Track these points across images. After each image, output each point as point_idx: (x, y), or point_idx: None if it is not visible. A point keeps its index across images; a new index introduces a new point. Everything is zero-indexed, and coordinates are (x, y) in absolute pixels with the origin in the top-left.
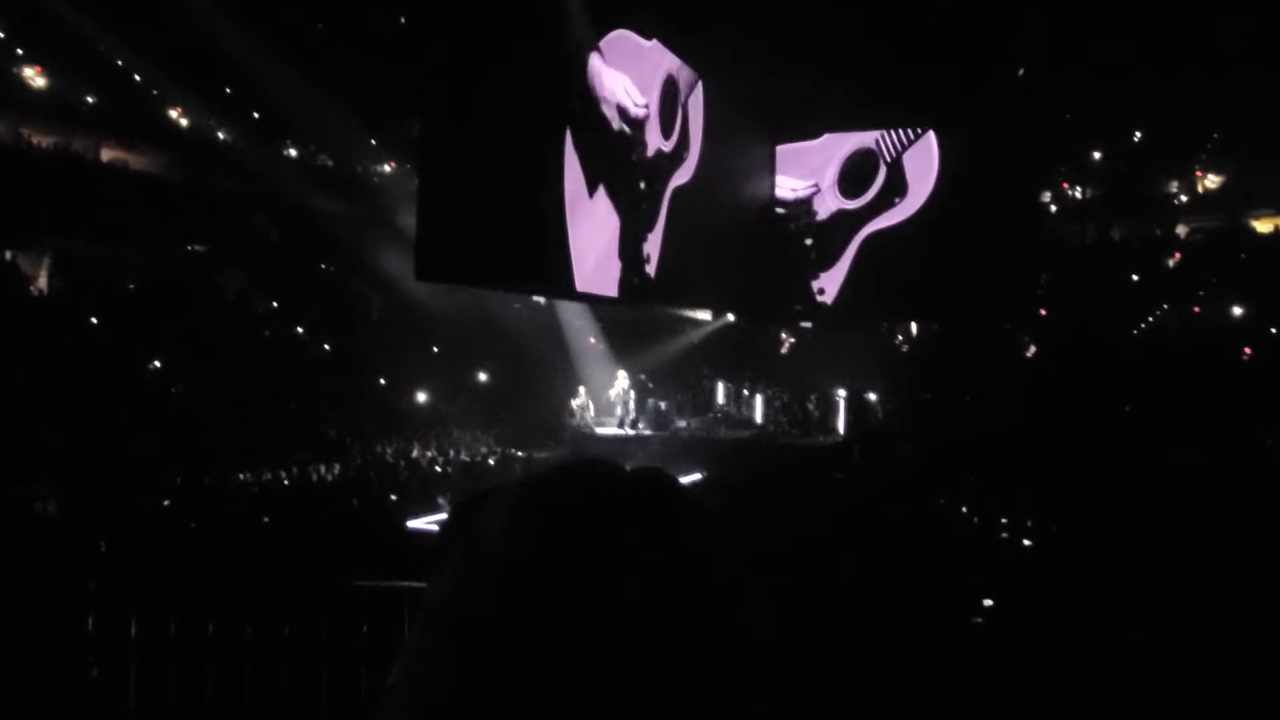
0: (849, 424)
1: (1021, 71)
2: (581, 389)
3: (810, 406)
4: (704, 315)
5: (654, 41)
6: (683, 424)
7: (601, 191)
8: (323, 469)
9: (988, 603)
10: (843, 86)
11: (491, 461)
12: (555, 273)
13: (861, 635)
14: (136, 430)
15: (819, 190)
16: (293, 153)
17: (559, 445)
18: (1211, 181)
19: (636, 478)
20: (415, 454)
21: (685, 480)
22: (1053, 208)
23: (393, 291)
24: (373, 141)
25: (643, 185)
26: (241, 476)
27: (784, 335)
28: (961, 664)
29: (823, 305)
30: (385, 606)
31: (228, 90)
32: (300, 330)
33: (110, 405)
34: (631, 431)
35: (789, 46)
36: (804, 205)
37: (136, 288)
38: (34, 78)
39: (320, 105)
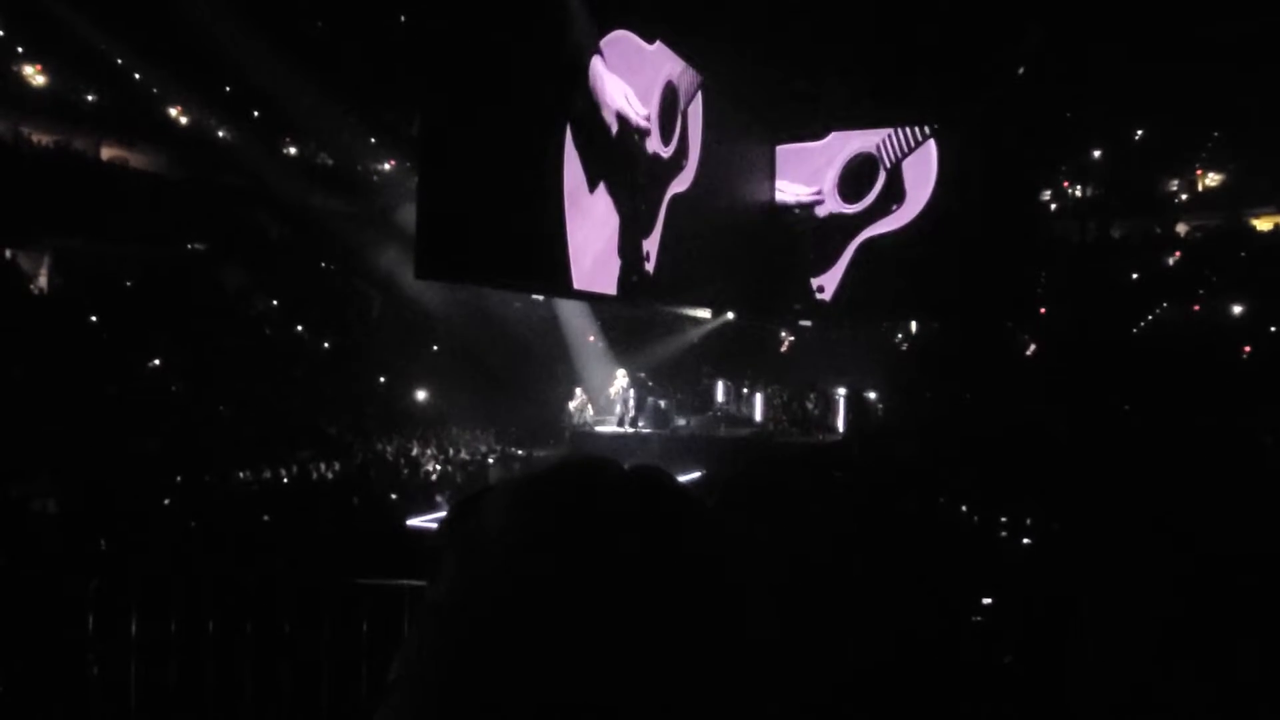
0: (849, 422)
1: (1022, 70)
2: (578, 390)
3: (810, 405)
4: (703, 313)
5: (655, 45)
6: (682, 422)
7: (601, 190)
8: (323, 467)
9: (987, 601)
10: (845, 85)
11: (491, 460)
12: (554, 271)
13: (861, 634)
14: (136, 428)
15: (820, 192)
16: (292, 151)
17: (559, 443)
18: (1212, 180)
19: (634, 476)
20: (415, 452)
21: (685, 479)
22: (1053, 206)
23: (393, 289)
24: (372, 139)
25: (641, 189)
26: (241, 474)
27: (784, 334)
28: (960, 663)
29: (821, 303)
30: (385, 605)
31: (227, 88)
32: (300, 328)
33: (110, 403)
34: (631, 430)
35: (791, 45)
36: (804, 206)
37: (136, 286)
38: (34, 76)
39: (320, 103)
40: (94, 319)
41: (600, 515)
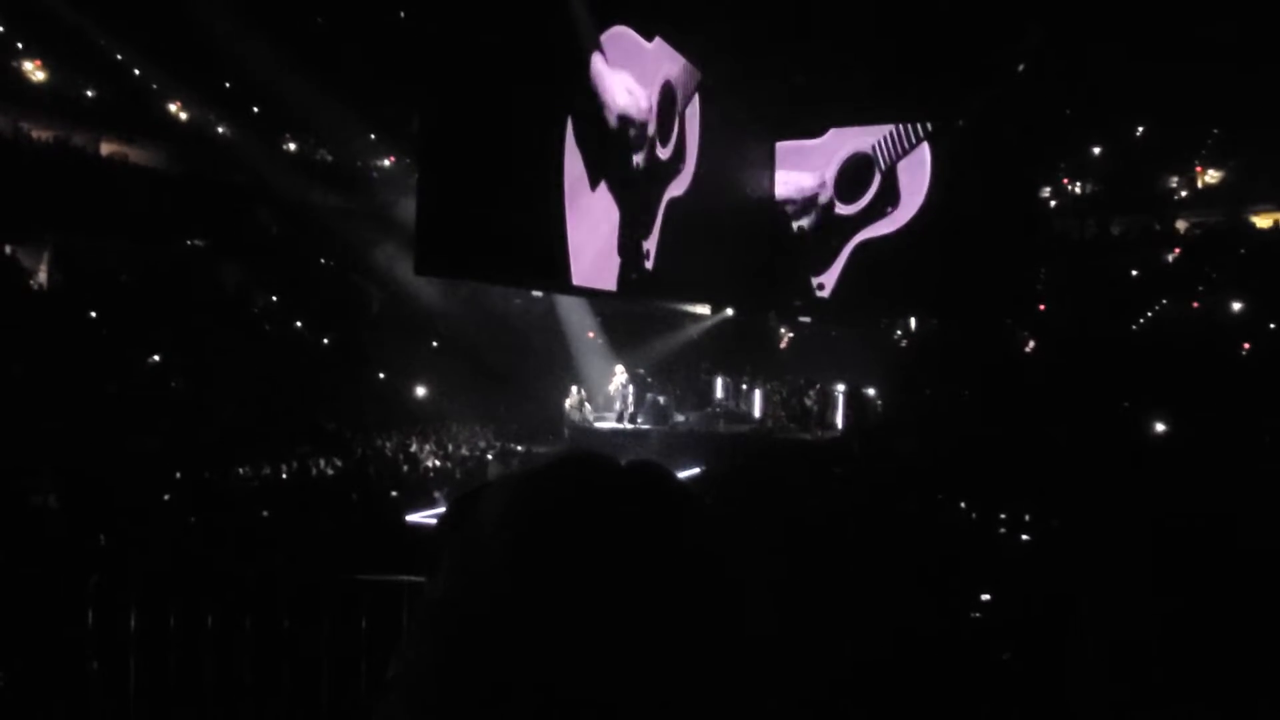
0: (848, 419)
1: (1022, 67)
2: (574, 387)
3: (809, 402)
4: (703, 310)
5: (655, 43)
6: (681, 418)
7: (601, 188)
8: (322, 463)
9: (986, 598)
10: (844, 82)
11: (490, 456)
12: (553, 267)
13: (860, 630)
14: (136, 424)
15: (818, 191)
16: (292, 147)
17: (558, 439)
18: (1211, 177)
19: (631, 472)
20: (414, 448)
21: (684, 474)
22: (1053, 203)
23: (392, 286)
24: (372, 136)
25: (640, 189)
26: (241, 470)
27: (783, 330)
28: (959, 659)
29: (822, 300)
30: (385, 600)
31: (227, 84)
32: (300, 325)
33: (110, 399)
34: (630, 426)
35: (789, 42)
36: (802, 204)
37: (136, 282)
38: (34, 72)
39: (320, 99)
40: (94, 315)
41: (597, 512)
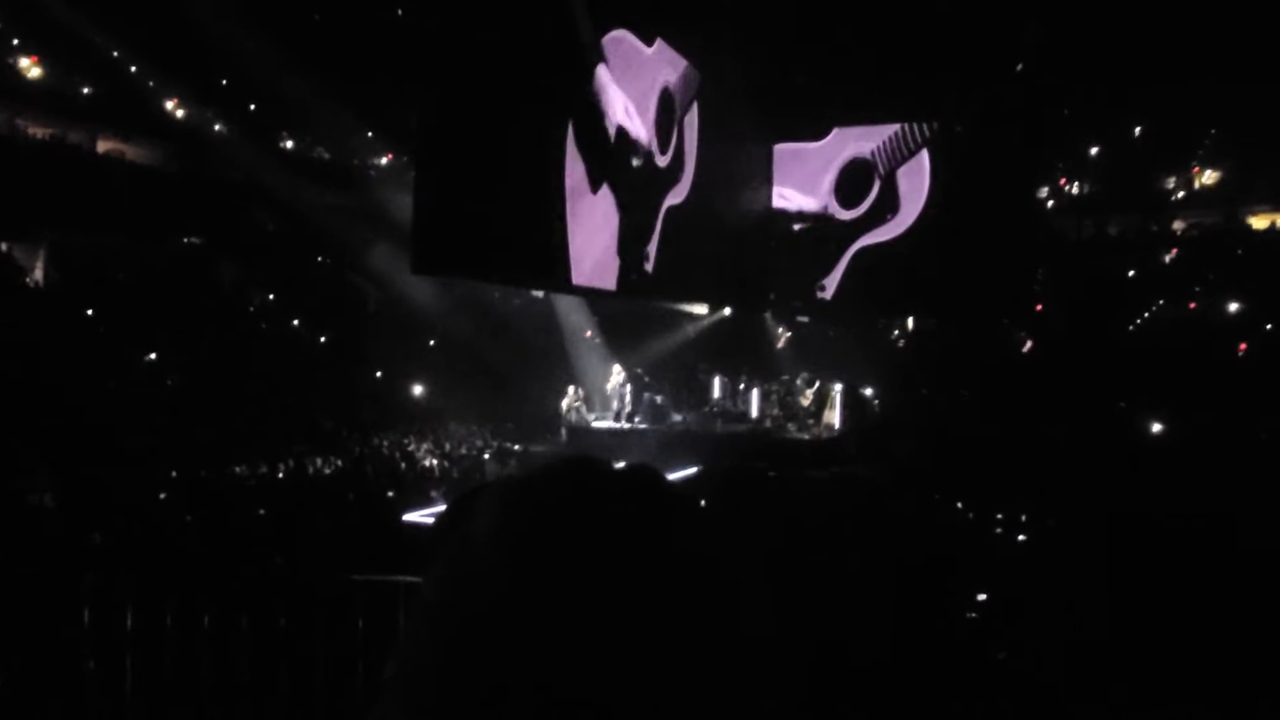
0: (845, 419)
1: (1020, 67)
2: (571, 387)
3: (806, 401)
4: (700, 309)
5: (654, 48)
6: (679, 418)
7: (603, 191)
8: (319, 462)
9: (981, 597)
10: (840, 83)
11: (487, 455)
12: (554, 267)
13: (856, 630)
14: (132, 422)
15: (817, 195)
16: (289, 145)
17: (556, 439)
18: (1209, 178)
19: (624, 475)
20: (411, 447)
21: (681, 474)
22: (1050, 203)
23: (389, 284)
24: (370, 134)
25: (640, 195)
26: (237, 469)
27: (780, 330)
28: (956, 660)
29: (823, 302)
30: (381, 601)
31: (224, 82)
32: (296, 323)
33: (106, 397)
34: (628, 425)
35: (789, 42)
36: (802, 209)
37: (133, 279)
38: (30, 68)
39: (317, 97)
40: (90, 313)
41: (593, 514)
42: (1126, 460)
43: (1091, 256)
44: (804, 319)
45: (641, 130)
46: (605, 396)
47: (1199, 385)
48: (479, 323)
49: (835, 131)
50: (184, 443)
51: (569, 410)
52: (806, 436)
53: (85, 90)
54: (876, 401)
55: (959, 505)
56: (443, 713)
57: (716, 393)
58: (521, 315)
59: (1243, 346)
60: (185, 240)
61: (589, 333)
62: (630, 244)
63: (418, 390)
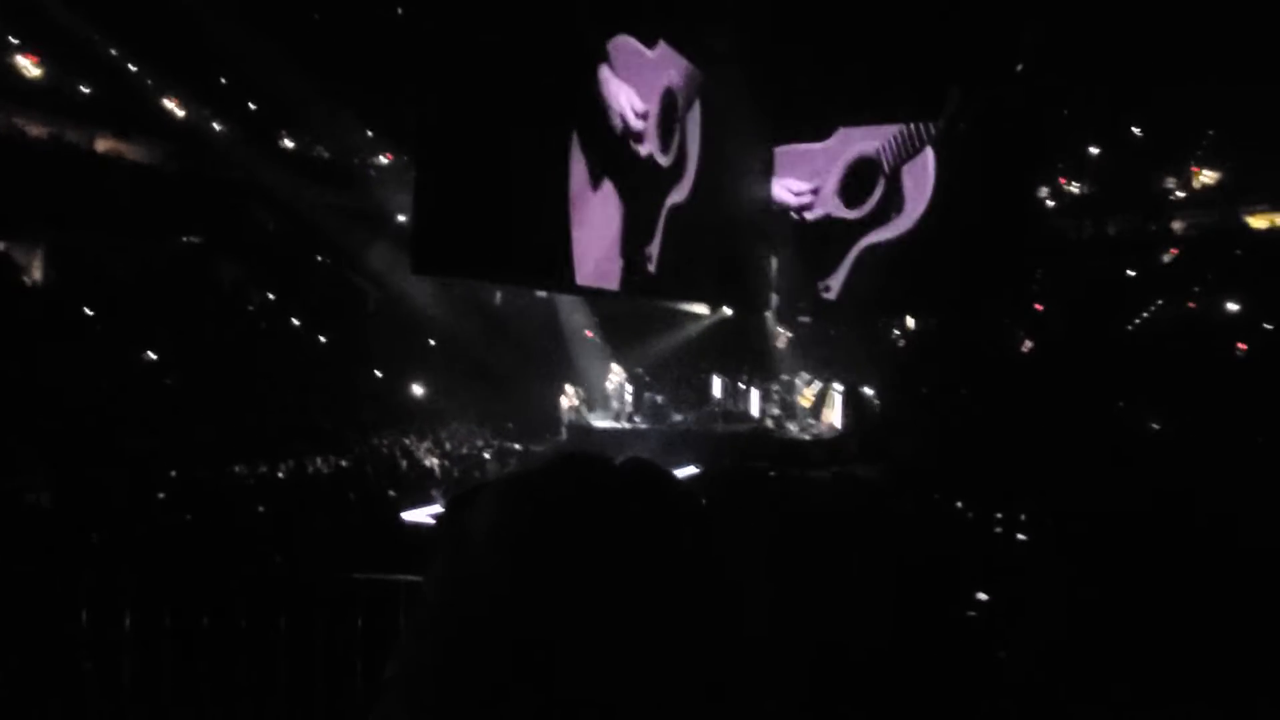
0: (845, 418)
1: (1020, 67)
2: (569, 387)
3: (806, 401)
4: (701, 309)
5: (656, 50)
6: (679, 418)
7: (606, 189)
8: (319, 462)
9: (982, 597)
10: (845, 83)
11: (488, 455)
12: (556, 267)
13: (856, 630)
14: (131, 422)
15: (822, 194)
16: (288, 144)
17: (556, 438)
18: (1207, 177)
19: (625, 472)
20: (412, 447)
21: (681, 473)
22: (1049, 203)
23: (389, 284)
24: (369, 133)
25: (642, 196)
26: (237, 469)
27: (781, 329)
28: (956, 659)
29: (828, 302)
30: (381, 600)
31: (223, 81)
32: (296, 322)
33: (105, 397)
34: (629, 425)
35: (789, 43)
36: (807, 208)
37: (131, 279)
38: (28, 67)
39: (317, 96)
40: (88, 313)
41: (593, 512)
42: (1126, 460)
43: (1091, 256)
44: (806, 319)
45: (643, 131)
46: (606, 396)
47: (1198, 385)
48: (479, 322)
49: (840, 131)
50: (183, 442)
51: (568, 410)
52: (807, 436)
53: (84, 89)
54: (877, 401)
55: (959, 505)
56: (445, 713)
57: (717, 392)
58: (522, 315)
59: (1242, 346)
60: (184, 240)
61: (589, 333)
62: (633, 244)
63: (418, 390)
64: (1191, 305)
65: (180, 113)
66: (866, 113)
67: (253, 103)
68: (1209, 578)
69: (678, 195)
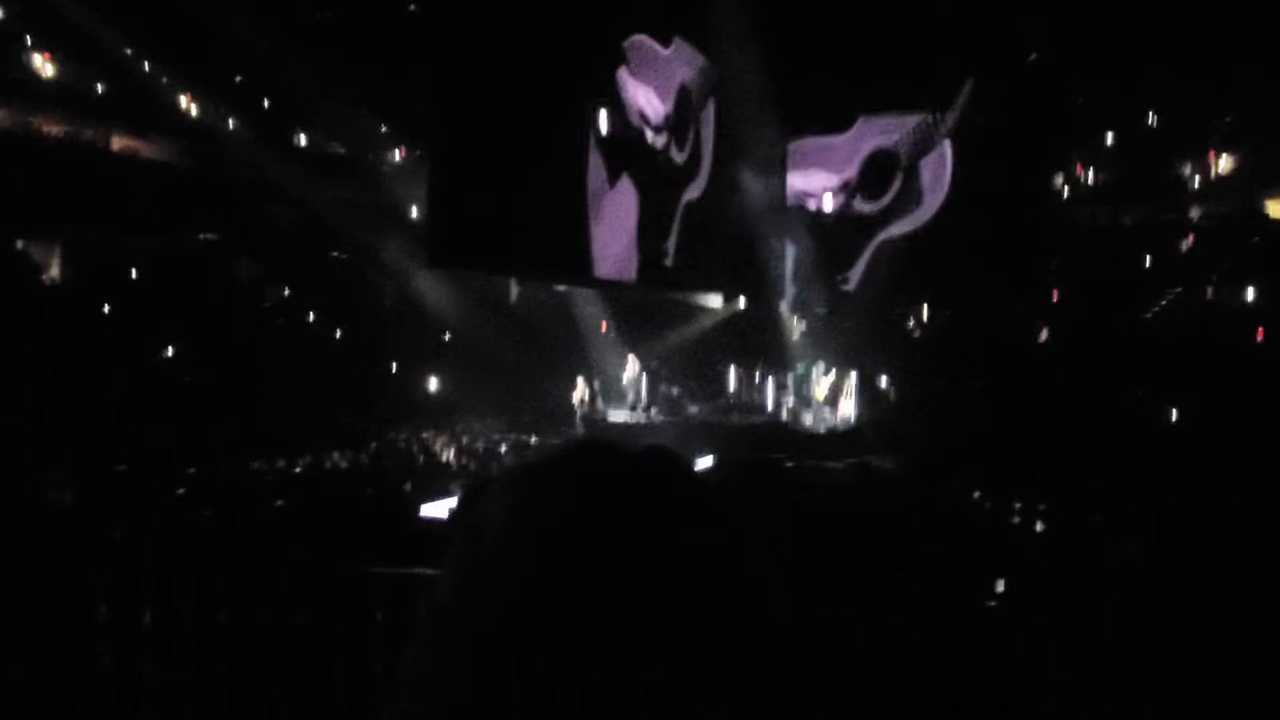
0: (860, 408)
1: (1035, 56)
2: (580, 380)
3: (821, 392)
4: (715, 302)
5: (671, 49)
6: (695, 410)
7: (623, 186)
8: (336, 456)
9: (1000, 586)
10: (863, 73)
11: (504, 448)
12: (575, 260)
13: (870, 620)
14: (150, 418)
15: (842, 187)
16: (303, 140)
17: (572, 431)
18: (1224, 165)
19: (643, 462)
20: (428, 441)
21: (697, 465)
22: (1065, 192)
23: (405, 279)
24: (384, 129)
25: (659, 191)
26: (255, 464)
27: (796, 320)
28: (973, 649)
29: (846, 294)
30: (399, 593)
31: (238, 78)
32: (313, 318)
33: (124, 394)
34: (644, 418)
35: (809, 34)
36: (826, 202)
37: (148, 276)
38: (43, 66)
39: (332, 92)
40: (106, 310)
41: (610, 504)
42: (1144, 448)
43: (1107, 244)
44: (821, 309)
45: (660, 129)
46: (621, 389)
47: (1216, 373)
48: (495, 316)
49: (860, 122)
50: (202, 438)
51: (580, 404)
52: (822, 427)
53: (99, 88)
54: (892, 391)
55: (976, 495)
56: (457, 712)
57: (732, 384)
58: (537, 309)
59: (1260, 333)
60: (201, 237)
61: (604, 325)
62: (650, 238)
63: (434, 384)
64: (1209, 293)
65: (195, 110)
66: (886, 102)
67: (267, 99)
68: (1228, 571)
69: (693, 191)
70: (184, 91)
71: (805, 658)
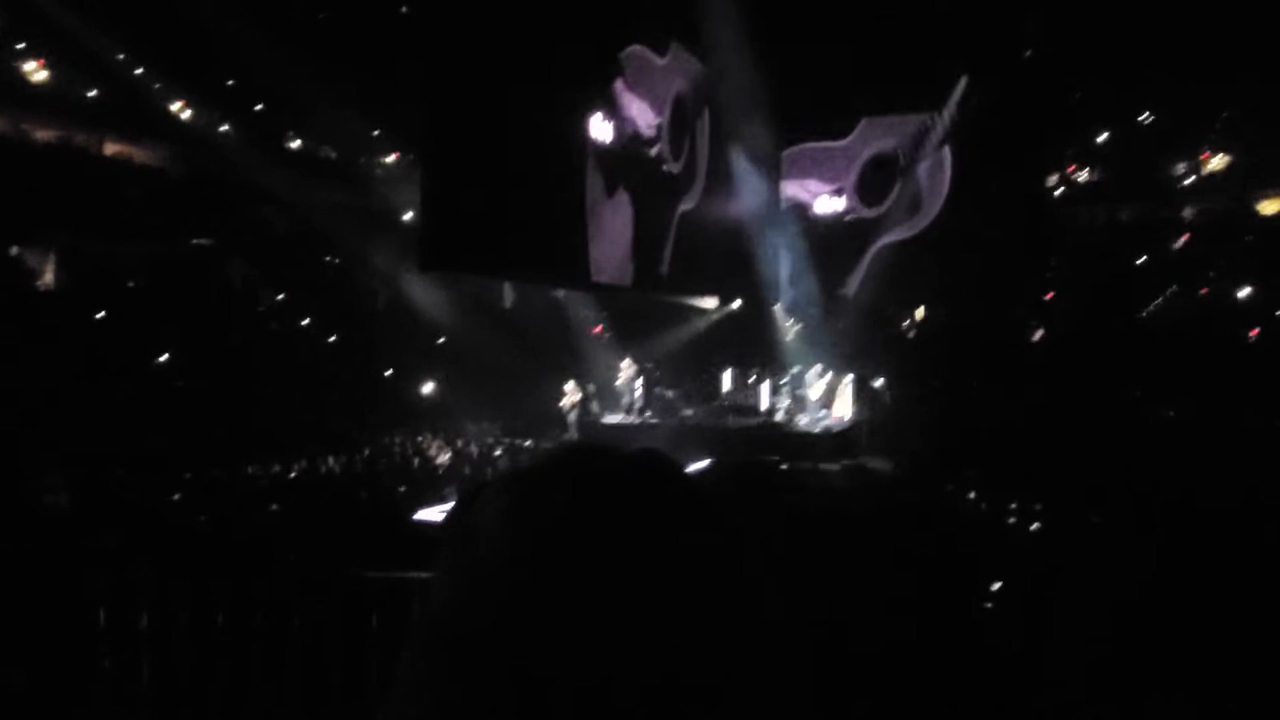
0: (856, 410)
1: (1029, 53)
2: (570, 383)
3: (816, 393)
4: (710, 304)
5: (667, 58)
6: (690, 412)
7: (620, 197)
8: (330, 460)
9: (996, 586)
10: (860, 76)
11: (498, 452)
12: (572, 265)
13: (866, 621)
14: (145, 423)
15: (840, 193)
16: (296, 145)
17: (567, 434)
18: (1218, 163)
19: (636, 465)
20: (423, 445)
21: (692, 468)
22: (1059, 191)
23: (398, 283)
24: (376, 132)
25: (655, 201)
26: (250, 469)
27: (790, 322)
28: (969, 649)
29: (845, 299)
30: (393, 597)
31: (230, 82)
32: (306, 322)
33: (118, 399)
34: (638, 420)
35: (801, 44)
36: (826, 207)
37: (143, 281)
38: (35, 71)
39: (323, 96)
40: (100, 315)
41: (599, 509)
42: (1139, 447)
43: (1102, 243)
44: (817, 312)
45: (655, 140)
46: (615, 392)
47: (1211, 371)
48: (489, 320)
49: (861, 126)
50: (196, 443)
51: (571, 408)
52: (818, 429)
53: (91, 93)
54: (888, 393)
55: (971, 495)
56: (450, 716)
57: (727, 386)
58: (531, 312)
59: (1254, 332)
60: (194, 241)
61: (598, 328)
62: (646, 250)
63: (428, 388)
64: (1204, 291)
65: (188, 115)
66: (887, 105)
67: (260, 104)
68: (1223, 568)
69: (689, 201)
70: (177, 96)
71: (801, 660)
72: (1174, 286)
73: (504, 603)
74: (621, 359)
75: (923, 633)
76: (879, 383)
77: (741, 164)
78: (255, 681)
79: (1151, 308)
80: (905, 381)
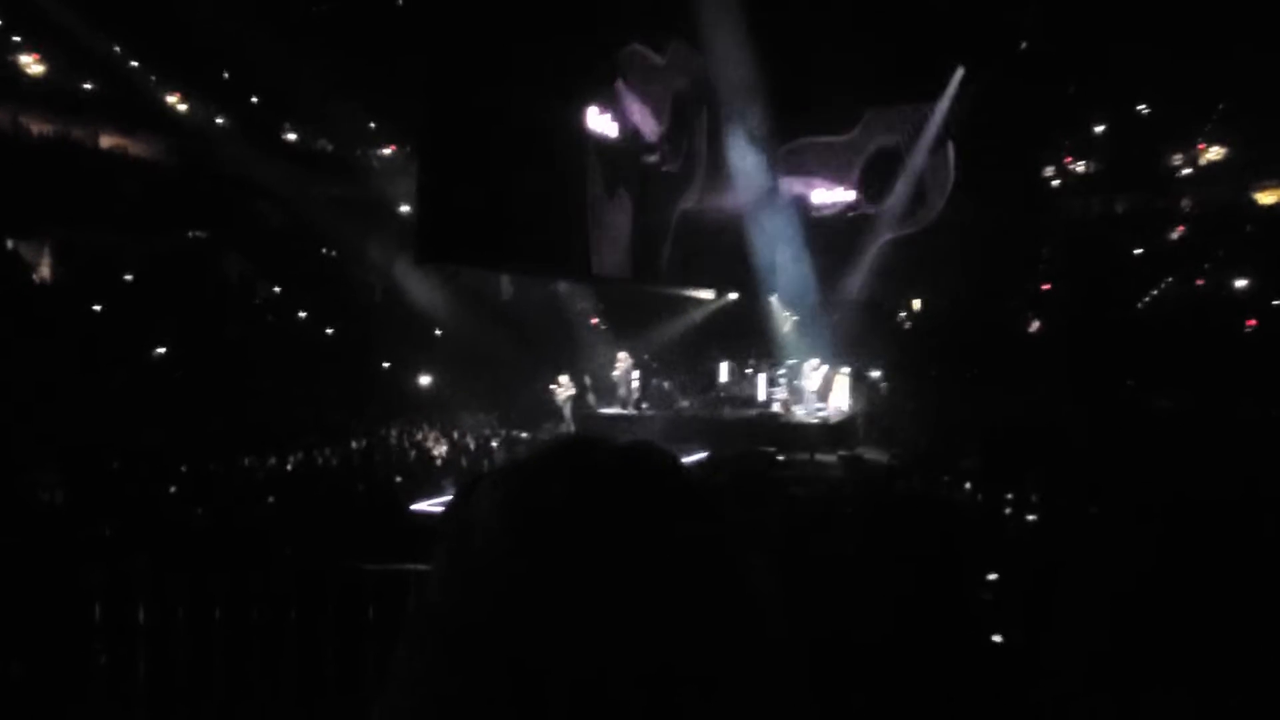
0: (852, 401)
1: (1025, 45)
2: (564, 376)
3: (813, 385)
4: (707, 295)
5: (666, 56)
6: (686, 403)
7: (620, 196)
8: (327, 453)
9: (992, 577)
10: (858, 71)
11: (495, 443)
12: (568, 255)
13: (862, 613)
14: (141, 416)
15: (844, 189)
16: (292, 137)
17: (564, 426)
18: (1215, 154)
19: (627, 457)
20: (419, 436)
21: (689, 459)
22: (1055, 182)
23: (394, 275)
24: (372, 125)
25: (654, 199)
26: (246, 461)
27: (787, 314)
28: (966, 641)
29: (844, 293)
30: (390, 589)
31: (225, 75)
32: (303, 315)
33: (115, 392)
34: (635, 412)
35: (801, 38)
36: (830, 203)
37: (139, 274)
38: (31, 65)
39: (319, 89)
40: (97, 308)
41: (595, 501)
42: (1135, 439)
43: (1099, 234)
44: (817, 303)
45: (655, 140)
46: (612, 383)
47: (1207, 362)
48: (485, 312)
49: (867, 117)
50: (193, 436)
51: (565, 401)
52: (814, 420)
53: (87, 86)
54: (884, 384)
55: (967, 486)
56: (445, 711)
57: (724, 377)
58: (528, 304)
59: (1251, 322)
60: (190, 234)
61: (595, 319)
62: (646, 248)
63: (425, 380)
64: (1200, 282)
65: (183, 108)
66: (888, 98)
67: (255, 97)
68: (1219, 561)
69: (688, 200)
70: (172, 89)
71: (797, 652)
72: (1171, 277)
73: (500, 595)
74: (618, 351)
75: (919, 624)
76: (875, 374)
77: (741, 159)
78: (252, 674)
79: (1148, 298)
80: (902, 372)
